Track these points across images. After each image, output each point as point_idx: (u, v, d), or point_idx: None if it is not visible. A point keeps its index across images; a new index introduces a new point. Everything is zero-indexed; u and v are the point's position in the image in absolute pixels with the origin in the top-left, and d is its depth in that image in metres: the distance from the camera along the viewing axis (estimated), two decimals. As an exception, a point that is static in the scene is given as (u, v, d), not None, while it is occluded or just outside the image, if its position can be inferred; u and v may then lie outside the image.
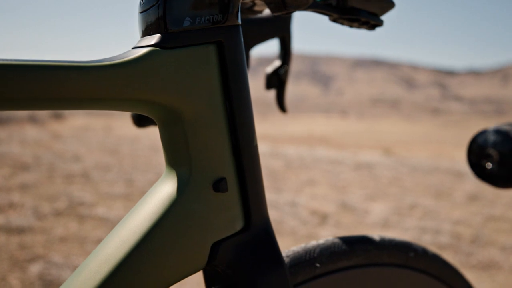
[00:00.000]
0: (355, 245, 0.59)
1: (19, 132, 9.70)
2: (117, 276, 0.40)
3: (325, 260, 0.56)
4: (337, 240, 0.59)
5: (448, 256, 2.94)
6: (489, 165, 0.64)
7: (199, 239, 0.44)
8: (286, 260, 0.55)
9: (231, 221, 0.46)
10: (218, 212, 0.45)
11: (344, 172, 6.12)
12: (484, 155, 0.64)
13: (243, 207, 0.47)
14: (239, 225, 0.47)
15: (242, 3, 0.61)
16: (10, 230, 2.92)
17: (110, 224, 3.18)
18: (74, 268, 2.39)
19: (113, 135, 10.81)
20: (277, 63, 0.75)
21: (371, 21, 0.56)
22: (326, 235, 3.24)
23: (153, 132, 9.69)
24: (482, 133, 0.65)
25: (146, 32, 0.43)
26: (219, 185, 0.44)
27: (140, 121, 0.67)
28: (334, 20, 0.56)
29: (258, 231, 0.48)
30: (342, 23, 0.57)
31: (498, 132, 0.63)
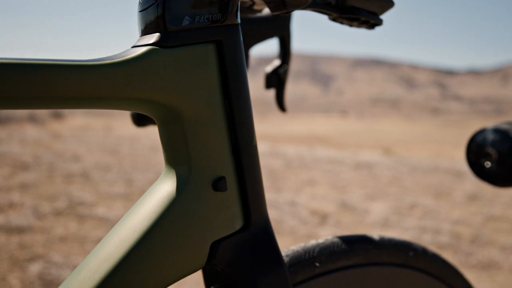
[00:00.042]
0: (355, 244, 0.59)
1: (19, 132, 9.70)
2: (116, 275, 0.40)
3: (324, 260, 0.56)
4: (336, 240, 0.59)
5: (448, 256, 2.94)
6: (488, 164, 0.64)
7: (199, 238, 0.44)
8: (286, 259, 0.54)
9: (230, 220, 0.46)
10: (217, 211, 0.45)
11: (344, 172, 6.12)
12: (483, 154, 0.64)
13: (243, 206, 0.47)
14: (238, 224, 0.47)
15: (241, 2, 0.61)
16: (10, 229, 2.92)
17: (110, 224, 3.18)
18: (74, 267, 2.39)
19: (113, 135, 10.81)
20: (277, 62, 0.75)
21: (370, 20, 0.56)
22: (326, 235, 3.24)
23: (152, 132, 9.69)
24: (481, 132, 0.65)
25: (145, 31, 0.43)
26: (218, 184, 0.44)
27: (140, 121, 0.67)
28: (334, 19, 0.56)
29: (258, 230, 0.48)
30: (341, 22, 0.57)
31: (497, 131, 0.63)
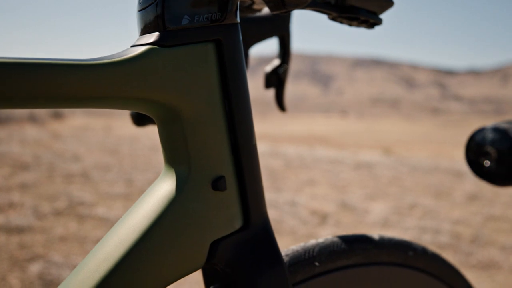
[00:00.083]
0: (355, 244, 0.58)
1: (19, 132, 9.70)
2: (116, 274, 0.40)
3: (324, 259, 0.56)
4: (336, 239, 0.59)
5: (448, 256, 2.94)
6: (487, 163, 0.64)
7: (198, 238, 0.44)
8: (285, 259, 0.54)
9: (230, 220, 0.46)
10: (217, 211, 0.45)
11: (344, 172, 6.12)
12: (482, 153, 0.64)
13: (242, 205, 0.47)
14: (238, 223, 0.46)
15: (241, 2, 0.61)
16: (10, 229, 2.92)
17: (109, 224, 3.18)
18: (74, 267, 2.39)
19: (112, 135, 10.80)
20: (276, 62, 0.75)
21: (370, 20, 0.56)
22: (326, 235, 3.24)
23: (152, 132, 9.69)
24: (480, 131, 0.65)
25: (144, 31, 0.43)
26: (218, 184, 0.44)
27: (139, 120, 0.67)
28: (333, 18, 0.56)
29: (257, 230, 0.48)
30: (341, 22, 0.57)
31: (496, 130, 0.63)
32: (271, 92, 0.79)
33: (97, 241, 2.84)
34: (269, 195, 4.33)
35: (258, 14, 0.71)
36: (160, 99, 0.41)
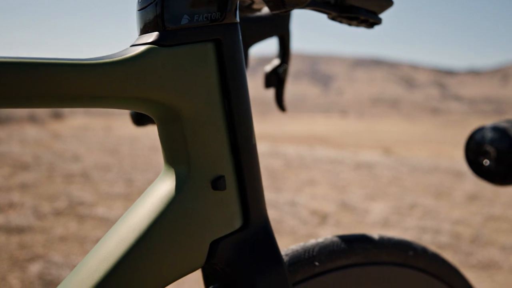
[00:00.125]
0: (354, 243, 0.58)
1: (19, 132, 9.70)
2: (115, 274, 0.40)
3: (324, 259, 0.56)
4: (336, 239, 0.58)
5: (448, 256, 2.94)
6: (486, 162, 0.64)
7: (198, 237, 0.44)
8: (285, 258, 0.54)
9: (229, 219, 0.46)
10: (216, 210, 0.45)
11: (344, 172, 6.12)
12: (482, 152, 0.64)
13: (242, 205, 0.47)
14: (237, 223, 0.46)
15: (240, 1, 0.61)
16: (10, 229, 2.92)
17: (109, 224, 3.18)
18: (74, 267, 2.38)
19: (112, 135, 10.80)
20: (276, 61, 0.75)
21: (369, 19, 0.56)
22: (326, 235, 3.24)
23: (152, 132, 9.69)
24: (480, 130, 0.65)
25: (144, 30, 0.43)
26: (217, 183, 0.44)
27: (139, 120, 0.67)
28: (333, 18, 0.56)
29: (257, 230, 0.48)
30: (340, 21, 0.57)
31: (496, 129, 0.63)
32: (271, 92, 0.80)
33: (97, 241, 2.84)
34: (269, 195, 4.33)
35: (257, 13, 0.71)
36: (160, 98, 0.41)
